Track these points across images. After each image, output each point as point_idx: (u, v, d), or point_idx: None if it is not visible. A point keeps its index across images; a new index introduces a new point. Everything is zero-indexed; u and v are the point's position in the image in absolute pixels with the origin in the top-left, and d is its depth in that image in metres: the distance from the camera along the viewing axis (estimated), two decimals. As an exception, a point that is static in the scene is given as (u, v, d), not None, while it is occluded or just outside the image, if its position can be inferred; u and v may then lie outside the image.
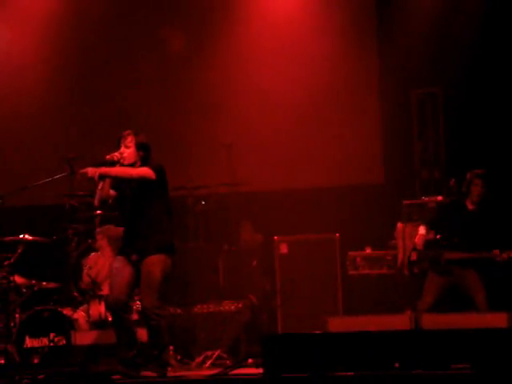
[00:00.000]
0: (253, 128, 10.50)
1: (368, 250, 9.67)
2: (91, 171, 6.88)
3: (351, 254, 9.64)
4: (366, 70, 10.53)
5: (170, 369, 7.29)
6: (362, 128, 10.45)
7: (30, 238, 8.74)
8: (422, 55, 10.23)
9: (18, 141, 10.96)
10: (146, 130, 10.16)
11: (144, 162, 7.11)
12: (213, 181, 9.83)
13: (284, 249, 9.71)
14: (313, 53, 10.55)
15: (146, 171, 7.00)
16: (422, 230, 8.26)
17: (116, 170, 7.00)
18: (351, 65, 10.49)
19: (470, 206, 8.27)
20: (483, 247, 8.05)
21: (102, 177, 6.94)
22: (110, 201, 7.17)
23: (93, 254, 8.77)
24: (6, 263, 8.66)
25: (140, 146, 7.12)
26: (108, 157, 7.04)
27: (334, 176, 10.43)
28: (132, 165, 7.10)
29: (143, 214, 7.08)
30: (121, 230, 7.56)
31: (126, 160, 7.07)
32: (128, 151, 7.09)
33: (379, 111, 10.47)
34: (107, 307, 7.84)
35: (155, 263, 7.00)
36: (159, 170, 7.06)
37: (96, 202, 7.19)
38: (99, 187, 7.07)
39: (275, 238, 9.77)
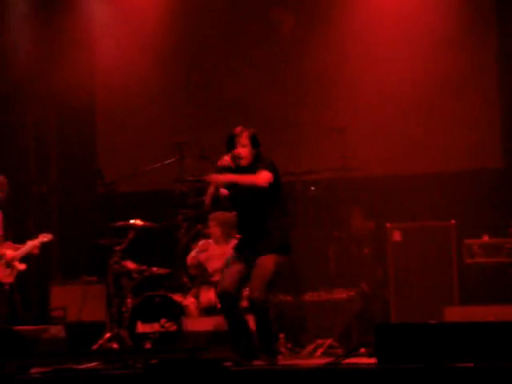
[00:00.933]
0: (366, 112, 10.29)
1: (485, 238, 9.35)
2: (215, 179, 6.83)
3: (467, 241, 9.32)
4: (484, 53, 10.25)
5: (280, 357, 7.20)
6: (480, 112, 10.16)
7: (141, 223, 8.78)
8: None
9: (129, 127, 11.04)
10: (256, 114, 10.15)
11: (257, 160, 6.96)
12: (323, 165, 9.68)
13: (397, 236, 9.45)
14: (431, 38, 10.29)
15: (267, 177, 6.83)
16: None
17: (241, 179, 6.85)
18: (470, 48, 10.22)
19: None
20: None
21: (228, 186, 6.87)
22: (222, 198, 7.06)
23: (203, 240, 8.72)
24: (117, 248, 8.75)
25: (253, 143, 6.97)
26: (219, 163, 6.91)
27: (449, 161, 10.16)
28: (251, 165, 6.93)
29: (257, 213, 6.96)
30: (233, 215, 7.43)
31: (244, 160, 6.94)
32: (245, 150, 6.94)
33: (498, 94, 10.18)
34: (216, 295, 7.78)
35: (269, 258, 6.90)
36: (274, 170, 6.92)
37: (207, 202, 7.06)
38: (211, 187, 6.98)
39: (387, 225, 9.52)
